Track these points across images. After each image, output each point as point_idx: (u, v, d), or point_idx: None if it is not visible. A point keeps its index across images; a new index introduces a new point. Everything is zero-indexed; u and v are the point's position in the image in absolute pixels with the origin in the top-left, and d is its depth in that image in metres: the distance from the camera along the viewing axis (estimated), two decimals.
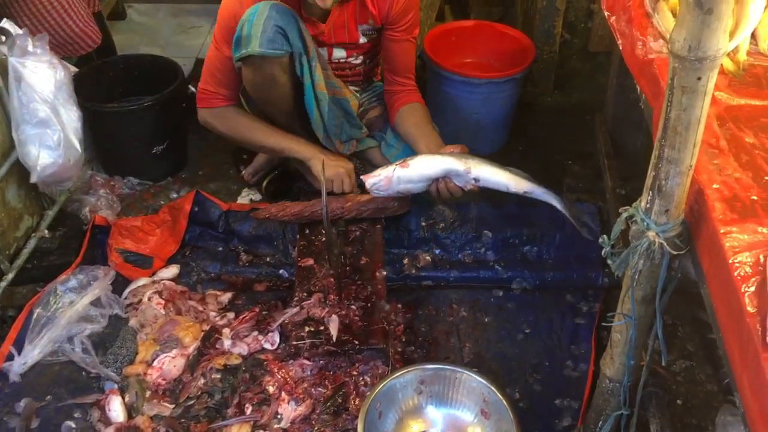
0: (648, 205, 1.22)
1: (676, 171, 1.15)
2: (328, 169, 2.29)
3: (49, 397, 1.97)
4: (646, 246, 1.22)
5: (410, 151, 2.40)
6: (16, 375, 2.00)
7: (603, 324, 2.17)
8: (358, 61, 2.45)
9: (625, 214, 1.28)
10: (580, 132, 2.97)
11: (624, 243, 1.34)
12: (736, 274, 1.04)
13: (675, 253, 1.22)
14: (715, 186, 1.19)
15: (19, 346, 2.05)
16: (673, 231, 1.21)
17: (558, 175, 2.76)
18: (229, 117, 2.38)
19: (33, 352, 2.03)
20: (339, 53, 2.38)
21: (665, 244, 1.21)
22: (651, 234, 1.21)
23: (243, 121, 2.38)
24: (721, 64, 1.48)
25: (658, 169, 1.16)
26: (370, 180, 2.18)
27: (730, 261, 1.06)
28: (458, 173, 2.12)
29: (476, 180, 2.13)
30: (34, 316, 2.09)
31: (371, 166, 2.52)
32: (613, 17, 1.78)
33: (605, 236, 1.35)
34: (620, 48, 1.73)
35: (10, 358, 2.03)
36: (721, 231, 1.11)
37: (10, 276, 2.23)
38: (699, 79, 1.04)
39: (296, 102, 2.30)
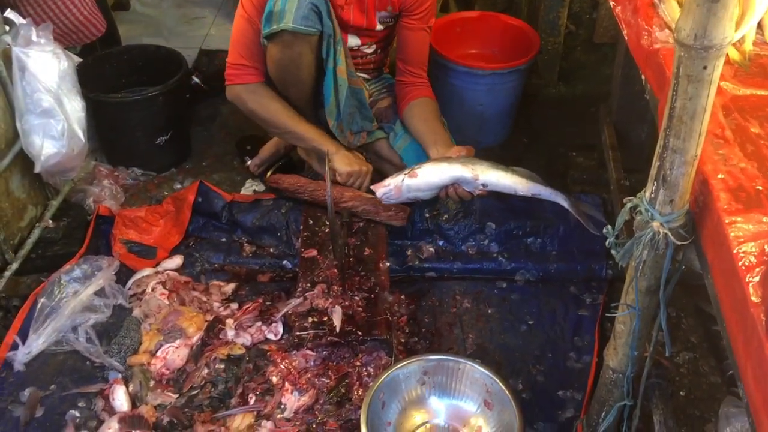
0: (653, 195, 1.21)
1: (681, 161, 1.14)
2: (351, 164, 2.31)
3: (53, 386, 1.98)
4: (650, 236, 1.22)
5: (418, 149, 2.40)
6: (20, 364, 2.00)
7: (606, 315, 2.17)
8: (371, 50, 2.44)
9: (629, 205, 1.27)
10: (585, 124, 2.96)
11: (628, 233, 1.34)
12: (740, 264, 1.04)
13: (679, 243, 1.21)
14: (720, 176, 1.19)
15: (23, 335, 2.06)
16: (678, 221, 1.21)
17: (562, 167, 2.76)
18: (262, 94, 2.32)
19: (37, 342, 2.03)
20: (353, 41, 2.37)
21: (669, 234, 1.20)
22: (655, 224, 1.21)
23: (274, 102, 2.33)
24: (727, 55, 1.48)
25: (663, 159, 1.16)
26: (381, 190, 2.16)
27: (735, 251, 1.06)
28: (466, 180, 2.10)
29: (484, 185, 2.11)
30: (39, 305, 2.09)
31: (378, 158, 2.51)
32: (619, 7, 1.77)
33: (609, 226, 1.35)
34: (625, 38, 1.72)
35: (14, 347, 2.04)
36: (726, 221, 1.10)
37: (15, 266, 2.24)
38: (705, 68, 1.04)
39: (317, 87, 2.29)
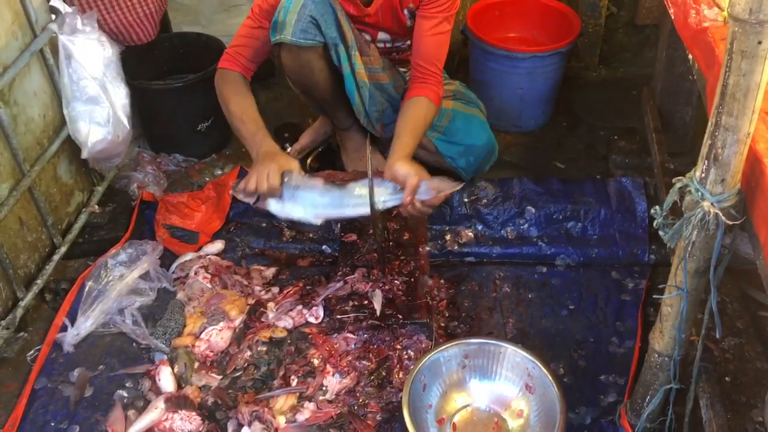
0: (703, 175, 1.19)
1: (733, 139, 1.12)
2: (252, 171, 2.08)
3: (101, 366, 2.03)
4: (700, 216, 1.20)
5: (455, 134, 2.39)
6: (69, 345, 2.06)
7: (649, 300, 2.15)
8: (405, 46, 2.42)
9: (678, 185, 1.26)
10: (626, 107, 2.92)
11: (674, 215, 1.32)
12: None
13: (730, 223, 1.19)
14: None
15: (72, 317, 2.11)
16: (729, 201, 1.19)
17: (603, 151, 2.73)
18: (236, 84, 2.22)
19: (85, 324, 2.08)
20: (383, 36, 2.36)
21: (720, 214, 1.18)
22: (706, 204, 1.19)
23: (240, 96, 2.21)
24: None
25: (715, 138, 1.14)
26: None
27: None
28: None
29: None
30: (86, 288, 2.14)
31: None
32: None
33: (657, 207, 1.33)
34: (672, 17, 1.69)
35: (63, 329, 2.09)
36: None
37: (63, 250, 2.29)
38: (759, 43, 1.02)
39: (337, 85, 2.28)
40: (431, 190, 1.95)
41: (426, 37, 2.20)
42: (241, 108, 2.18)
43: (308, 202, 2.02)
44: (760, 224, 1.16)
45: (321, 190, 2.03)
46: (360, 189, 2.02)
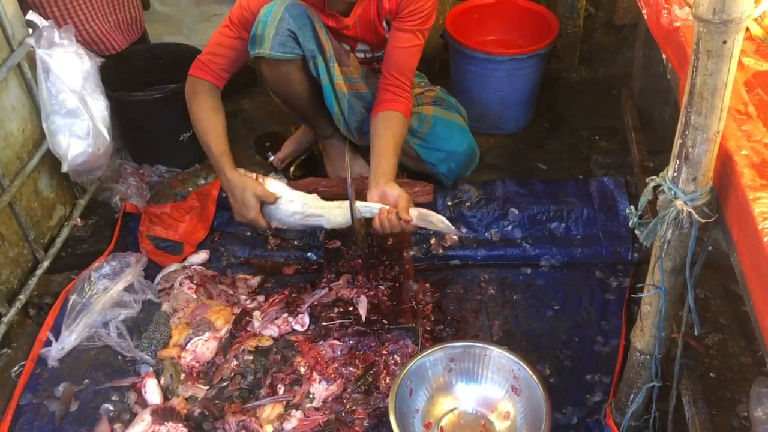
0: (675, 174, 1.20)
1: (703, 138, 1.13)
2: (234, 208, 2.15)
3: (86, 380, 2.02)
4: (674, 215, 1.21)
5: (436, 141, 2.40)
6: (54, 360, 2.05)
7: (633, 298, 2.16)
8: None
9: (652, 184, 1.27)
10: (607, 107, 2.94)
11: (652, 213, 1.33)
12: (766, 240, 1.03)
13: (704, 221, 1.20)
14: (743, 152, 1.17)
15: (56, 332, 2.10)
16: (702, 199, 1.20)
17: (585, 151, 2.74)
18: (201, 95, 2.21)
19: (70, 338, 2.07)
20: (363, 47, 2.36)
21: (693, 212, 1.19)
22: (679, 203, 1.20)
23: (207, 108, 2.20)
24: (749, 30, 1.46)
25: (685, 137, 1.15)
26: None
27: (760, 227, 1.04)
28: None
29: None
30: (70, 302, 2.13)
31: None
32: None
33: (632, 207, 1.34)
34: (645, 17, 1.70)
35: (48, 344, 2.08)
36: (751, 197, 1.09)
37: (46, 264, 2.28)
38: (724, 42, 1.02)
39: (317, 96, 2.29)
40: (422, 217, 2.00)
41: (400, 49, 2.22)
42: (206, 128, 2.19)
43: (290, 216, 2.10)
44: (733, 221, 1.17)
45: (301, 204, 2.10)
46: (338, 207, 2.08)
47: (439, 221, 2.01)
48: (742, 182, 1.12)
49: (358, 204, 2.02)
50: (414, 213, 1.98)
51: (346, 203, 2.01)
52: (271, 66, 2.18)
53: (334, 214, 2.07)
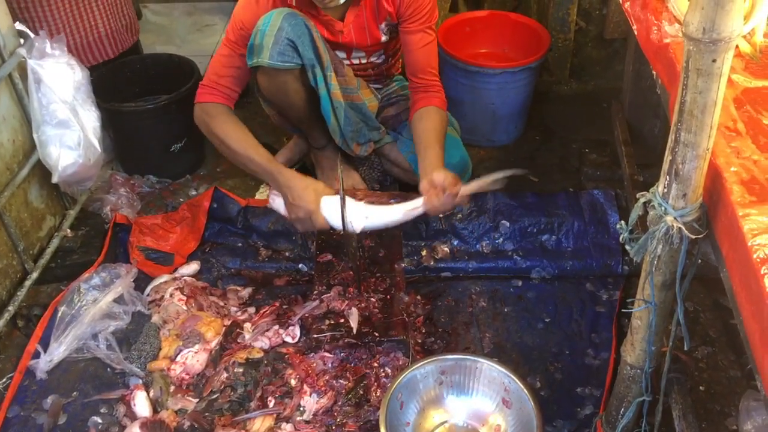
0: (665, 190, 1.21)
1: (693, 155, 1.14)
2: (289, 209, 2.13)
3: (75, 393, 2.00)
4: (664, 231, 1.22)
5: None
6: (42, 372, 2.03)
7: (623, 311, 2.16)
8: (381, 60, 2.44)
9: (642, 200, 1.27)
10: (597, 120, 2.96)
11: (642, 228, 1.33)
12: (755, 256, 1.03)
13: (693, 237, 1.21)
14: (733, 169, 1.18)
15: (44, 344, 2.08)
16: (692, 215, 1.21)
17: (575, 164, 2.75)
18: (224, 116, 2.22)
19: (58, 350, 2.06)
20: (358, 54, 2.37)
21: (683, 228, 1.20)
22: (669, 219, 1.21)
23: (233, 125, 2.21)
24: (738, 47, 1.47)
25: (675, 153, 1.16)
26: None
27: (749, 244, 1.05)
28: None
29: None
30: (59, 314, 2.12)
31: (388, 162, 2.52)
32: (628, 2, 1.77)
33: (623, 222, 1.35)
34: (635, 33, 1.72)
35: (36, 356, 2.06)
36: (740, 214, 1.10)
37: (35, 275, 2.27)
38: (714, 61, 1.04)
39: (313, 106, 2.29)
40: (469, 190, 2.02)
41: (416, 51, 2.25)
42: (243, 143, 2.18)
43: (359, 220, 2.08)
44: (723, 237, 1.18)
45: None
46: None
47: (488, 182, 2.01)
48: (731, 199, 1.14)
49: (401, 208, 2.05)
50: (463, 189, 2.01)
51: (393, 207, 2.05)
52: (269, 76, 2.18)
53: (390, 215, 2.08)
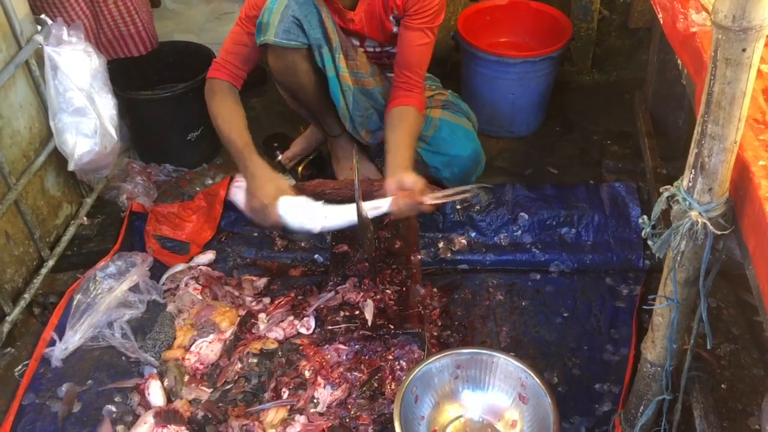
0: (690, 184, 1.17)
1: (720, 148, 1.10)
2: (247, 197, 2.11)
3: (90, 381, 2.01)
4: (688, 226, 1.18)
5: (440, 145, 2.38)
6: (57, 360, 2.04)
7: (644, 307, 2.12)
8: (395, 51, 2.40)
9: (666, 194, 1.24)
10: (619, 111, 2.91)
11: (665, 223, 1.30)
12: None
13: (719, 233, 1.17)
14: (761, 163, 1.14)
15: (60, 331, 2.09)
16: (717, 210, 1.17)
17: (596, 156, 2.71)
18: (220, 95, 2.21)
19: (74, 338, 2.06)
20: (372, 42, 2.35)
21: (709, 224, 1.16)
22: (693, 214, 1.17)
23: (226, 105, 2.20)
24: None
25: (701, 146, 1.12)
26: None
27: None
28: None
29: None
30: (75, 302, 2.12)
31: None
32: None
33: (645, 217, 1.31)
34: (661, 22, 1.67)
35: (51, 343, 2.07)
36: None
37: (51, 263, 2.27)
38: (744, 50, 1.00)
39: (324, 89, 2.27)
40: (435, 197, 1.98)
41: (410, 47, 2.22)
42: (228, 123, 2.17)
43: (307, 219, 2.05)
44: (749, 233, 1.14)
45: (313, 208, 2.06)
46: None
47: (453, 193, 1.99)
48: (759, 193, 1.10)
49: (366, 205, 1.99)
50: (430, 196, 1.97)
51: (352, 206, 1.99)
52: (277, 54, 2.16)
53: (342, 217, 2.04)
